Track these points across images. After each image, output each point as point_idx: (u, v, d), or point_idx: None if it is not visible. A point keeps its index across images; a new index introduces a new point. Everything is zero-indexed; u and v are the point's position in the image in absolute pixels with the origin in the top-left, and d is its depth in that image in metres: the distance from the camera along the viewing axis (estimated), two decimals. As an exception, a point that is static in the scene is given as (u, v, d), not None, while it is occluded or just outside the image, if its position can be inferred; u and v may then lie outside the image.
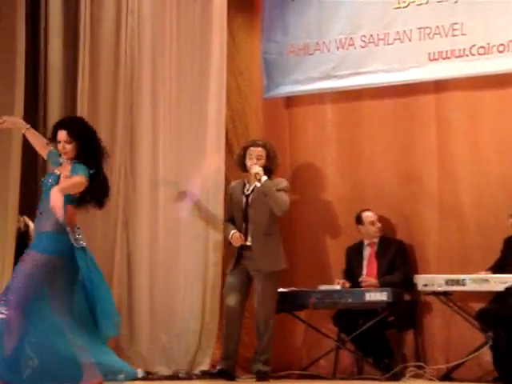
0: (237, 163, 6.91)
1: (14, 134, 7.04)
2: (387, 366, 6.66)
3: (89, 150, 5.12)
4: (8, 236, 7.03)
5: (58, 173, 5.13)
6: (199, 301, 7.09)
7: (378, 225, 6.99)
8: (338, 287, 6.86)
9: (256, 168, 6.66)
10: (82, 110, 7.33)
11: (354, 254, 7.10)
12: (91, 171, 5.07)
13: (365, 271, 7.01)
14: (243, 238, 6.68)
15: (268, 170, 6.76)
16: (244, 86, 7.49)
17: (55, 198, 4.85)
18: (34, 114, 7.58)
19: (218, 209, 7.09)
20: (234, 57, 7.43)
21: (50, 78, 7.60)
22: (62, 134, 5.12)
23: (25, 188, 7.22)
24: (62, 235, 4.98)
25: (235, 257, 6.71)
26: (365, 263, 7.04)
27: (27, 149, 7.24)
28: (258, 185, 6.66)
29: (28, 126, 5.33)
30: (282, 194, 6.70)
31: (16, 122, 5.45)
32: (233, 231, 6.70)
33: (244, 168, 6.84)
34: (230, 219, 6.85)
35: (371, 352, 6.81)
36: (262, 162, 6.73)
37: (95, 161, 5.12)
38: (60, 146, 5.13)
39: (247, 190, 6.80)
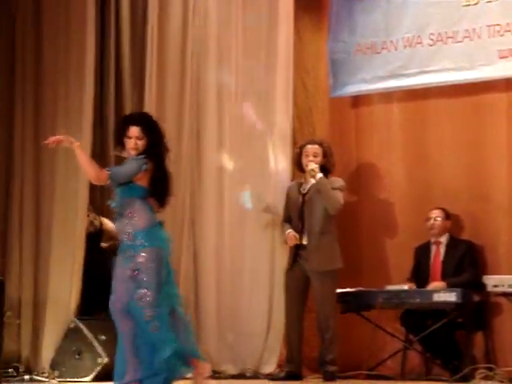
0: (295, 162, 6.89)
1: (84, 133, 7.17)
2: (456, 368, 6.58)
3: (157, 147, 5.13)
4: (77, 237, 7.14)
5: None
6: (266, 300, 7.10)
7: (432, 222, 6.86)
8: (405, 287, 6.80)
9: (312, 165, 6.65)
10: (150, 110, 7.40)
11: (422, 253, 7.03)
12: (146, 166, 5.06)
13: (431, 271, 6.95)
14: (297, 237, 6.65)
15: (324, 169, 6.74)
16: (310, 86, 7.48)
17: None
18: (100, 114, 7.72)
19: (283, 206, 7.07)
20: (301, 56, 7.42)
21: (119, 80, 7.71)
22: (136, 130, 5.09)
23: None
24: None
25: (292, 256, 6.69)
26: (431, 263, 6.98)
27: (95, 148, 7.39)
28: (313, 181, 6.64)
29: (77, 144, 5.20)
30: (336, 193, 6.67)
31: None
32: (288, 231, 6.69)
33: (301, 167, 6.83)
34: (287, 219, 6.84)
35: (440, 353, 6.74)
36: (319, 159, 6.72)
37: (159, 158, 5.13)
38: (131, 142, 5.09)
39: (303, 189, 6.78)
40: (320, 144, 6.75)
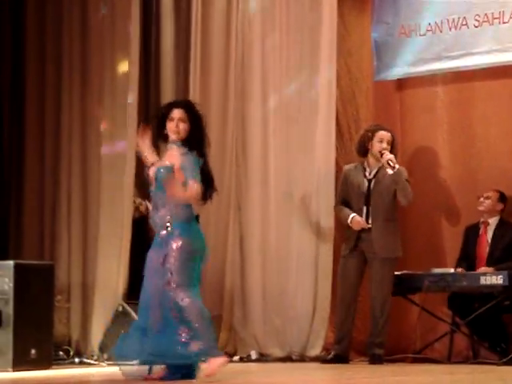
0: (359, 145, 6.83)
1: (129, 123, 7.24)
2: (504, 351, 6.55)
3: (199, 133, 5.11)
4: (124, 221, 7.22)
5: (169, 164, 5.06)
6: (311, 284, 7.12)
7: (481, 200, 6.81)
8: (451, 270, 6.78)
9: (389, 154, 6.60)
10: (194, 96, 7.45)
11: (471, 234, 6.98)
12: (200, 161, 5.07)
13: (478, 252, 6.90)
14: (364, 221, 6.65)
15: None
16: (354, 69, 7.44)
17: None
18: (146, 98, 7.78)
19: (329, 193, 7.09)
20: (345, 39, 7.39)
21: (162, 64, 7.76)
22: (179, 112, 5.08)
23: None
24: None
25: (353, 240, 6.68)
26: (477, 244, 6.93)
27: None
28: (390, 172, 6.58)
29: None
30: (408, 184, 6.66)
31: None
32: (352, 214, 6.67)
33: (364, 152, 6.78)
34: (344, 202, 6.82)
35: (487, 336, 6.71)
36: (389, 147, 6.69)
37: (202, 147, 5.11)
38: (173, 125, 5.05)
39: (369, 174, 6.75)
40: (391, 132, 6.74)
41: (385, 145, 6.68)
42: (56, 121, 7.66)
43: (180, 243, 5.01)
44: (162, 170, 5.06)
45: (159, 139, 5.18)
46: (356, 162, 6.90)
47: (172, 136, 5.09)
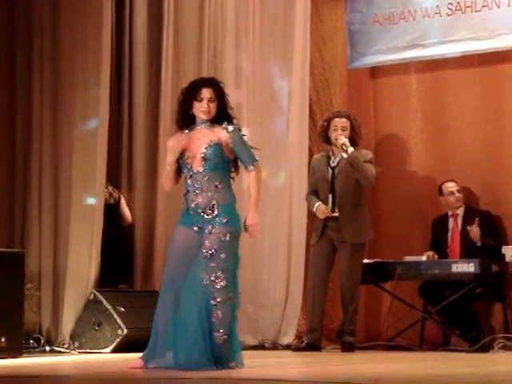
0: (320, 135, 6.89)
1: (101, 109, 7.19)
2: (475, 338, 6.60)
3: (227, 111, 5.00)
4: (96, 210, 7.18)
5: (215, 141, 4.91)
6: (284, 272, 7.13)
7: (457, 195, 6.89)
8: (423, 258, 6.81)
9: (342, 139, 6.62)
10: (166, 85, 7.43)
11: (440, 225, 7.03)
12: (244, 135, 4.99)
13: (449, 243, 6.95)
14: (329, 210, 6.66)
15: (352, 142, 6.72)
16: (328, 57, 7.46)
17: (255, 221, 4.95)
18: (118, 89, 7.73)
19: (302, 181, 7.10)
20: (318, 28, 7.41)
21: (134, 54, 7.71)
22: (208, 92, 4.93)
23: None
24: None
25: (320, 228, 6.70)
26: (449, 235, 6.98)
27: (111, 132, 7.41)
28: (345, 156, 6.62)
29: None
30: (368, 166, 6.67)
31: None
32: (317, 203, 6.69)
33: (327, 140, 6.81)
34: (313, 192, 6.84)
35: (458, 324, 6.76)
36: (347, 133, 6.69)
37: (232, 123, 4.99)
38: (203, 106, 4.91)
39: (333, 162, 6.77)
40: (347, 117, 6.74)
41: (339, 131, 6.68)
42: (27, 109, 7.57)
43: (228, 235, 4.87)
44: (212, 149, 4.92)
45: (184, 122, 5.03)
46: (324, 150, 6.91)
47: (202, 116, 4.95)
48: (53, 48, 7.43)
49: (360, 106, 7.36)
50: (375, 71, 7.46)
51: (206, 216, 4.89)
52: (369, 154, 6.74)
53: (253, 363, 5.40)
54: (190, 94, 4.98)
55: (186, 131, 5.01)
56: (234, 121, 5.04)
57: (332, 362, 5.76)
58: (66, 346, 7.03)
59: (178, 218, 5.05)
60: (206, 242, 4.86)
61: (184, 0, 7.52)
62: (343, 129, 6.69)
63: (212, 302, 4.83)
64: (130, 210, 7.63)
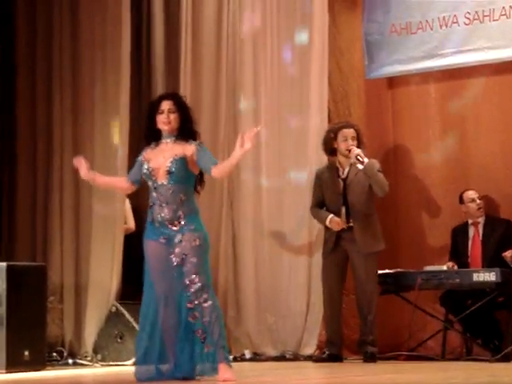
0: (325, 147, 6.82)
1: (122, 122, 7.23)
2: (497, 347, 6.56)
3: (190, 123, 5.10)
4: (117, 222, 7.21)
5: (180, 155, 5.02)
6: (304, 283, 7.13)
7: (478, 202, 6.87)
8: (444, 268, 6.79)
9: (357, 149, 6.61)
10: (185, 92, 7.44)
11: (460, 234, 7.01)
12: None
13: (470, 252, 6.93)
14: (344, 221, 6.65)
15: None
16: (345, 68, 7.46)
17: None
18: (138, 100, 7.78)
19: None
20: (336, 38, 7.41)
21: (153, 61, 7.77)
22: (168, 103, 5.07)
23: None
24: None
25: (333, 241, 6.66)
26: (470, 244, 6.96)
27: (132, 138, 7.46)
28: (360, 167, 6.61)
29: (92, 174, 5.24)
30: (382, 175, 6.66)
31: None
32: (330, 216, 6.66)
33: (331, 151, 6.78)
34: (318, 204, 6.80)
35: (480, 333, 6.72)
36: (356, 143, 6.69)
37: (195, 137, 5.10)
38: (163, 117, 5.04)
39: (343, 174, 6.75)
40: (354, 127, 6.73)
41: (350, 142, 6.67)
42: (47, 122, 7.65)
43: (198, 240, 4.97)
44: (177, 163, 5.02)
45: (151, 137, 5.16)
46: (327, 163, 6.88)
47: (164, 127, 5.07)
48: (72, 59, 7.54)
49: (378, 116, 7.36)
50: (393, 81, 7.46)
51: (173, 228, 5.00)
52: (377, 163, 6.73)
53: (274, 374, 5.41)
54: (152, 109, 5.13)
55: (153, 145, 5.13)
56: (197, 139, 5.13)
57: (353, 372, 5.75)
58: (88, 358, 7.07)
59: (145, 231, 5.14)
60: (177, 249, 4.97)
61: (202, 12, 7.56)
62: (353, 139, 6.69)
63: (188, 305, 4.92)
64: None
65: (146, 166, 5.07)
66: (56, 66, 7.64)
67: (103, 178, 5.34)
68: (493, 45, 6.88)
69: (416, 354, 6.78)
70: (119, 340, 6.96)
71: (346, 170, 6.72)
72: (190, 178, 5.08)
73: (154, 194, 5.04)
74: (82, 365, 7.02)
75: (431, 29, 7.13)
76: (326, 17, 7.20)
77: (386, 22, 7.32)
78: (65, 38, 7.62)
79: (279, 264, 7.21)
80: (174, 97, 5.19)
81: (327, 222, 6.67)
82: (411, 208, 7.30)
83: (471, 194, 6.92)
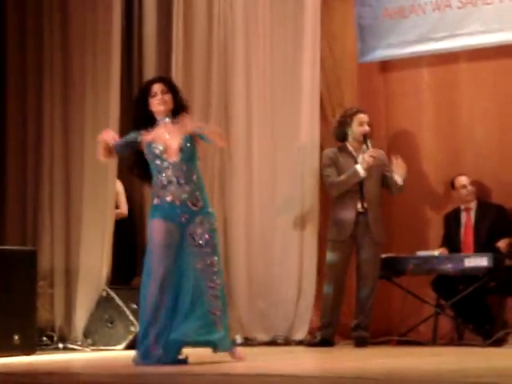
0: (338, 131, 6.79)
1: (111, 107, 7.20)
2: (488, 332, 6.56)
3: (183, 101, 5.18)
4: (108, 206, 7.19)
5: (187, 134, 5.08)
6: (296, 268, 7.11)
7: (470, 188, 6.86)
8: (436, 253, 6.79)
9: (368, 156, 6.57)
10: (177, 79, 7.40)
11: (452, 220, 7.00)
12: None
13: (462, 238, 6.92)
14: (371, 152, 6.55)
15: (366, 137, 6.72)
16: (338, 52, 7.42)
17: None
18: (128, 83, 7.75)
19: (313, 177, 7.07)
20: (328, 22, 7.36)
21: (144, 48, 7.73)
22: (159, 86, 5.12)
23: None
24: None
25: (351, 225, 6.60)
26: (462, 230, 6.95)
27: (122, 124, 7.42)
28: (400, 182, 6.63)
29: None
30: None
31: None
32: (356, 165, 6.57)
33: (344, 137, 6.76)
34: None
35: (472, 318, 6.72)
36: (369, 128, 6.69)
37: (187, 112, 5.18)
38: (157, 99, 5.08)
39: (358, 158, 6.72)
40: (365, 112, 6.72)
41: (365, 127, 6.66)
42: (37, 109, 7.61)
43: (215, 223, 5.15)
44: (188, 140, 5.09)
45: (142, 121, 5.15)
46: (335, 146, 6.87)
47: (160, 108, 5.09)
48: (63, 53, 7.50)
49: (371, 101, 7.32)
50: (386, 65, 7.43)
51: (193, 208, 5.06)
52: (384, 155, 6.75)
53: (266, 359, 5.40)
54: (143, 94, 5.15)
55: (149, 129, 5.13)
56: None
57: (345, 357, 5.75)
58: (79, 343, 7.05)
59: (152, 208, 5.13)
60: (198, 230, 5.05)
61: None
62: (369, 124, 6.69)
63: (210, 283, 5.01)
64: (141, 204, 7.61)
65: (154, 145, 5.07)
66: (47, 53, 7.58)
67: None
68: (486, 29, 6.84)
69: (407, 339, 6.77)
70: (109, 325, 6.95)
71: (361, 155, 6.67)
72: (195, 156, 5.17)
73: (169, 173, 5.06)
74: (73, 349, 7.00)
75: (424, 12, 7.09)
76: (318, 1, 7.16)
77: (379, 6, 7.28)
78: (55, 22, 7.58)
79: (271, 250, 7.19)
80: (164, 79, 5.26)
81: (359, 168, 6.57)
82: (404, 193, 7.27)
83: (463, 180, 6.90)
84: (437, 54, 7.13)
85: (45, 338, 7.09)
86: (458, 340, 6.76)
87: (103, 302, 7.01)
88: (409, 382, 3.81)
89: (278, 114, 7.30)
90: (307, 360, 5.86)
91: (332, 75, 7.40)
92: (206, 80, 7.44)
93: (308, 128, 7.15)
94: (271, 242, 7.20)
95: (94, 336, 7.00)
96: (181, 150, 5.06)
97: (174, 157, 5.05)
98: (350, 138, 6.74)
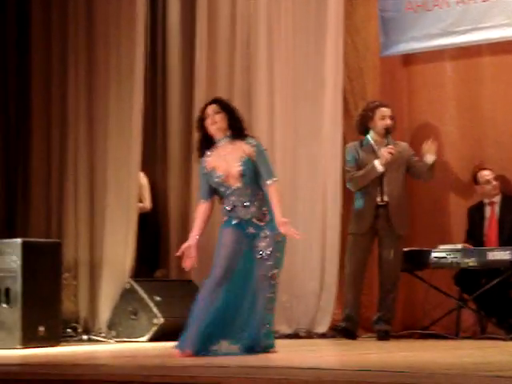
0: (360, 124, 6.81)
1: (135, 98, 7.22)
2: (511, 326, 6.55)
3: (238, 121, 5.27)
4: (130, 198, 7.24)
5: (246, 155, 5.20)
6: (318, 261, 7.12)
7: (494, 183, 6.84)
8: (459, 246, 6.77)
9: (386, 153, 6.56)
10: (200, 75, 7.46)
11: (475, 214, 6.98)
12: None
13: (486, 231, 6.90)
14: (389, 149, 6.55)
15: (389, 131, 6.71)
16: (361, 45, 7.41)
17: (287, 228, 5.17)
18: (152, 76, 7.80)
19: (336, 170, 7.07)
20: (351, 16, 7.36)
21: (168, 36, 7.75)
22: (212, 107, 5.25)
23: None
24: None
25: (370, 220, 6.62)
26: (486, 223, 6.93)
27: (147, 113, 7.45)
28: (431, 159, 6.63)
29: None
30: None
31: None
32: (375, 160, 6.58)
33: (365, 131, 6.76)
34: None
35: (495, 311, 6.71)
36: (392, 122, 6.68)
37: (243, 134, 5.28)
38: (209, 120, 5.20)
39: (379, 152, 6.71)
40: (388, 106, 6.72)
41: (388, 120, 6.66)
42: (62, 98, 7.66)
43: (281, 237, 5.26)
44: (246, 163, 5.20)
45: (204, 147, 5.30)
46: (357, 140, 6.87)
47: (212, 128, 5.21)
48: (87, 41, 7.53)
49: (394, 94, 7.31)
50: (409, 59, 7.41)
51: (260, 223, 5.24)
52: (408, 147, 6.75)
53: (289, 351, 5.42)
54: (200, 118, 5.30)
55: (208, 153, 5.27)
56: (251, 137, 5.34)
57: (368, 350, 5.76)
58: (103, 334, 7.10)
59: (222, 225, 5.31)
60: (263, 243, 5.22)
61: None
62: (391, 118, 6.68)
63: (268, 295, 5.22)
64: (165, 197, 7.65)
65: (216, 174, 5.22)
66: (71, 41, 7.64)
67: (198, 229, 5.35)
68: (510, 21, 6.80)
69: (430, 333, 6.77)
70: (133, 317, 6.99)
71: (382, 149, 6.67)
72: (257, 174, 5.27)
73: (233, 198, 5.22)
74: (97, 341, 7.06)
75: (448, 5, 7.06)
76: (342, -6, 7.15)
77: (402, -1, 7.26)
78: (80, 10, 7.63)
79: (293, 244, 7.15)
80: (217, 100, 5.35)
81: (377, 163, 6.58)
82: (426, 187, 7.26)
83: (486, 174, 6.87)
84: (460, 48, 7.10)
85: (69, 330, 7.15)
86: (480, 333, 6.75)
87: (127, 294, 7.05)
88: (432, 376, 3.81)
89: (301, 108, 7.30)
90: (329, 353, 5.88)
91: (355, 69, 7.40)
92: (229, 73, 7.46)
93: (331, 121, 7.15)
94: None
95: (117, 328, 7.05)
96: (241, 175, 5.20)
97: (236, 183, 5.22)
98: (372, 132, 6.75)
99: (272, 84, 7.38)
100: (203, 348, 5.07)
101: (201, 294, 5.18)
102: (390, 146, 6.62)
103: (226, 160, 5.20)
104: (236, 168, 5.16)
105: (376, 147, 6.74)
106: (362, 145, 6.78)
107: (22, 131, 7.82)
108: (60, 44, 7.66)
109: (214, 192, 5.32)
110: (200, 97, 7.43)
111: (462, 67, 7.20)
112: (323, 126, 7.20)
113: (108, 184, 7.30)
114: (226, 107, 5.27)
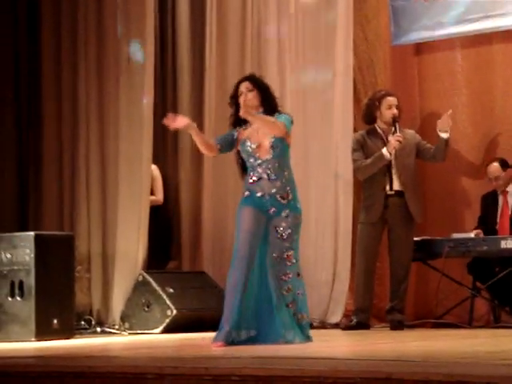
0: (367, 114, 6.80)
1: (146, 89, 7.23)
2: (525, 315, 6.55)
3: (271, 97, 5.28)
4: (143, 190, 7.25)
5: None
6: (331, 252, 7.12)
7: (503, 177, 6.78)
8: (472, 235, 6.76)
9: (393, 141, 6.55)
10: (210, 70, 7.46)
11: (489, 202, 6.95)
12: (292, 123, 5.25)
13: (499, 220, 6.88)
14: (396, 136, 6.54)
15: (396, 120, 6.69)
16: (371, 35, 7.39)
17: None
18: (163, 68, 7.80)
19: (347, 160, 7.05)
20: (361, 6, 7.34)
21: (178, 32, 7.75)
22: (245, 84, 5.26)
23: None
24: None
25: (380, 210, 6.60)
26: (499, 212, 6.91)
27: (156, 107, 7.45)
28: (445, 136, 6.57)
29: (195, 125, 5.36)
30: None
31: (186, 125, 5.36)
32: (381, 150, 6.57)
33: (372, 120, 6.75)
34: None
35: (508, 300, 6.70)
36: (398, 111, 6.67)
37: (276, 108, 5.28)
38: (242, 98, 5.20)
39: (387, 141, 6.68)
40: (395, 95, 6.71)
41: (394, 110, 6.64)
42: (72, 94, 7.67)
43: (300, 218, 5.27)
44: (278, 140, 5.21)
45: (237, 123, 5.31)
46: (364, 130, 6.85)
47: (246, 105, 5.20)
48: (97, 36, 7.53)
49: (405, 84, 7.30)
50: (419, 48, 7.38)
51: (282, 201, 5.21)
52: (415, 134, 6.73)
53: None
54: (233, 96, 5.30)
55: (244, 126, 5.31)
56: (284, 114, 5.32)
57: (381, 339, 5.76)
58: (116, 326, 7.12)
59: (242, 199, 5.27)
60: (283, 223, 5.21)
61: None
62: (397, 107, 6.67)
63: (283, 277, 5.18)
64: (176, 190, 7.66)
65: (248, 144, 5.25)
66: (81, 36, 7.65)
67: (199, 133, 5.41)
68: (522, 9, 6.78)
69: (443, 322, 6.76)
70: (146, 309, 7.01)
71: (390, 137, 6.65)
72: (287, 151, 5.29)
73: (260, 170, 5.22)
74: (110, 333, 7.08)
75: (458, -6, 7.04)
76: (351, -16, 7.13)
77: (413, -12, 7.23)
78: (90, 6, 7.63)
79: (305, 234, 7.15)
80: (250, 77, 5.36)
81: (385, 152, 6.56)
82: (438, 176, 7.25)
83: (494, 171, 6.79)
84: (470, 36, 7.07)
85: (83, 322, 7.17)
86: (494, 322, 6.74)
87: (140, 286, 7.07)
88: (445, 364, 3.81)
89: (312, 98, 7.29)
90: (343, 343, 5.88)
91: (365, 58, 7.38)
92: (239, 65, 7.45)
93: (341, 111, 7.14)
94: (305, 225, 7.16)
95: (131, 320, 7.07)
96: (272, 147, 5.20)
97: (266, 155, 5.22)
98: (379, 121, 6.73)
99: (282, 75, 7.37)
100: (233, 339, 5.10)
101: (229, 285, 5.18)
102: (397, 134, 6.60)
103: (259, 133, 5.24)
104: (268, 140, 5.19)
105: (384, 135, 6.73)
106: (369, 134, 6.77)
107: (34, 123, 7.83)
108: (69, 39, 7.66)
109: (226, 148, 5.32)
110: (211, 90, 7.43)
111: (474, 55, 7.17)
112: (334, 116, 7.19)
113: (120, 176, 7.31)
114: (258, 84, 5.29)
